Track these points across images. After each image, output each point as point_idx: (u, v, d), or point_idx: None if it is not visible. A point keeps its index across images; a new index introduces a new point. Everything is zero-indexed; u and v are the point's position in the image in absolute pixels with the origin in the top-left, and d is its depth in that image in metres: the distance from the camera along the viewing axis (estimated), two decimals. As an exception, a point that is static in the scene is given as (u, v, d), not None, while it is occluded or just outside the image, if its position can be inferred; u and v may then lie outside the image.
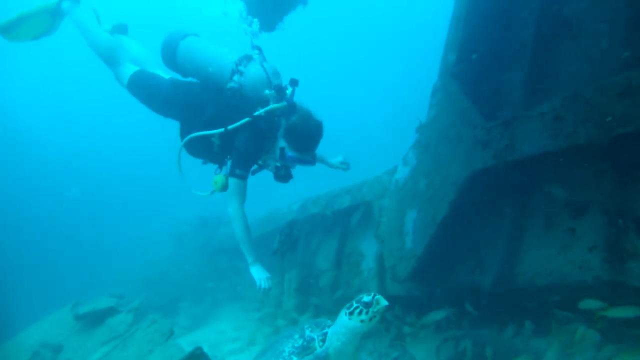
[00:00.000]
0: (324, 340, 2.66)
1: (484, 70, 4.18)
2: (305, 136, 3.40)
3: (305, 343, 2.73)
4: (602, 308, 3.14)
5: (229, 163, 3.64)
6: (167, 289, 8.10)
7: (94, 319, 4.22)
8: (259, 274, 3.55)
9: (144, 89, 3.77)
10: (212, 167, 3.87)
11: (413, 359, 3.87)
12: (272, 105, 3.36)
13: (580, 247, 3.36)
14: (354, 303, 2.46)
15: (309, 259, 6.50)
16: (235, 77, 3.46)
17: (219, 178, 3.62)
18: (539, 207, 3.66)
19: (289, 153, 3.45)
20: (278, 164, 3.56)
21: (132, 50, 4.01)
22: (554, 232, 3.54)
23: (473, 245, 3.99)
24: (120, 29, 4.18)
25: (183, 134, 3.71)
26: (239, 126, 3.43)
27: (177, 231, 9.95)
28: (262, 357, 3.03)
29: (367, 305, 2.40)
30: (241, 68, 3.47)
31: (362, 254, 5.65)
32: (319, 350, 2.64)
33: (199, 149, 3.72)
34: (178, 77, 3.85)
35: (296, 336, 2.84)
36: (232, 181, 3.50)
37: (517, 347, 3.85)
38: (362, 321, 2.41)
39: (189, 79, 3.80)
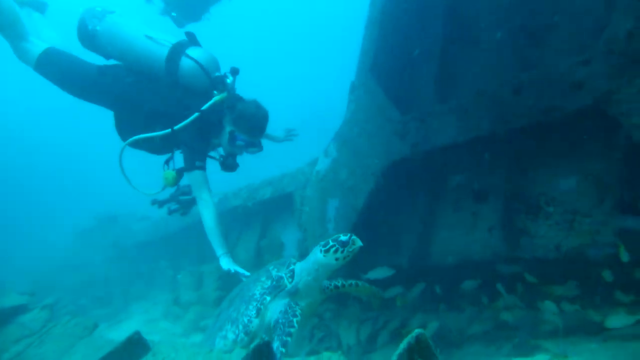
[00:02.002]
0: (292, 277, 2.70)
1: (399, 69, 4.53)
2: (255, 119, 3.44)
3: (274, 282, 2.73)
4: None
5: (179, 157, 3.54)
6: (78, 289, 7.54)
7: (2, 317, 3.82)
8: (230, 265, 3.47)
9: (62, 69, 3.42)
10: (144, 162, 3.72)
11: (338, 337, 4.09)
12: (216, 97, 3.33)
13: (482, 228, 3.81)
14: (330, 241, 2.50)
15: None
16: (174, 66, 3.35)
17: (169, 173, 3.52)
18: (448, 194, 4.08)
19: (240, 136, 3.45)
20: (223, 154, 3.55)
21: (42, 29, 3.65)
22: (460, 215, 3.96)
23: (391, 230, 4.31)
24: (37, 5, 3.74)
25: (121, 128, 3.51)
26: (186, 124, 3.35)
27: (81, 228, 9.24)
28: (230, 306, 2.97)
29: (344, 244, 2.46)
30: (176, 57, 3.36)
31: (283, 243, 5.79)
32: (289, 286, 2.67)
33: (140, 143, 3.54)
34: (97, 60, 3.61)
35: (263, 278, 2.84)
36: (195, 174, 3.41)
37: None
38: (336, 259, 2.48)
39: (112, 61, 3.58)
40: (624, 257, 2.78)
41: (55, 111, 21.57)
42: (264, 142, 4.13)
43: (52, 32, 3.72)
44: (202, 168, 3.45)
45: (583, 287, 3.25)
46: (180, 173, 3.56)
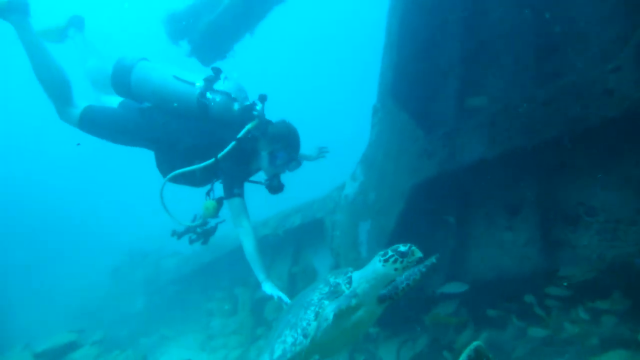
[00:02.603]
0: (349, 283, 2.67)
1: (419, 89, 4.56)
2: (290, 135, 3.53)
3: (332, 288, 2.72)
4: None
5: (218, 187, 3.62)
6: (116, 326, 7.65)
7: (55, 355, 3.91)
8: (273, 291, 3.49)
9: (102, 124, 3.66)
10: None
11: (380, 360, 4.02)
12: (249, 125, 3.43)
13: (517, 242, 3.74)
14: (389, 252, 2.47)
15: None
16: (205, 102, 3.48)
17: (210, 203, 3.59)
18: (479, 210, 4.02)
19: (279, 155, 3.53)
20: (267, 178, 3.63)
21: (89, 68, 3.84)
22: (494, 230, 3.90)
23: (425, 250, 4.26)
24: (76, 23, 3.98)
25: (161, 165, 3.64)
26: (227, 152, 3.44)
27: (115, 264, 9.42)
28: (288, 313, 2.98)
29: (403, 255, 2.43)
30: (208, 93, 3.50)
31: (316, 269, 5.77)
32: (346, 292, 2.64)
33: (180, 177, 3.66)
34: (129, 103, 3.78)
35: (321, 285, 2.83)
36: (233, 202, 3.48)
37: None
38: (395, 269, 2.44)
39: (145, 104, 3.73)
40: None
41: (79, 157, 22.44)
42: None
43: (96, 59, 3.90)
44: (241, 195, 3.51)
45: (629, 298, 3.13)
46: (220, 202, 3.63)
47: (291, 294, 5.77)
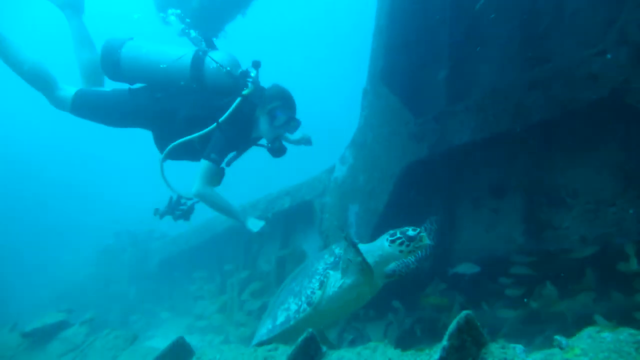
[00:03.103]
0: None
1: (408, 72, 4.60)
2: (285, 93, 3.61)
3: (337, 259, 2.75)
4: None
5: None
6: (105, 306, 7.67)
7: (44, 335, 3.93)
8: (255, 223, 3.66)
9: (95, 107, 3.64)
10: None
11: (369, 339, 4.11)
12: (246, 90, 3.43)
13: (503, 223, 3.83)
14: (398, 233, 2.49)
15: (250, 263, 6.55)
16: (197, 73, 3.47)
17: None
18: (466, 192, 4.11)
19: (277, 113, 3.53)
20: (269, 142, 3.63)
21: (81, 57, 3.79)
22: (481, 212, 3.99)
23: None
24: (75, 4, 3.82)
25: (159, 142, 3.64)
26: (227, 116, 3.43)
27: (102, 246, 9.36)
28: (293, 281, 3.03)
29: (410, 239, 2.45)
30: (199, 62, 3.48)
31: (305, 252, 5.83)
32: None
33: (180, 151, 3.65)
34: (119, 87, 3.75)
35: (326, 256, 2.87)
36: (205, 164, 3.44)
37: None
38: (400, 251, 2.48)
39: (136, 85, 3.71)
40: None
41: (69, 134, 22.08)
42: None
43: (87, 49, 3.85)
44: (215, 162, 3.46)
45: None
46: (221, 171, 3.64)
47: (280, 276, 5.89)
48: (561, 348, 1.46)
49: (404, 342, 4.06)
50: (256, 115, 3.61)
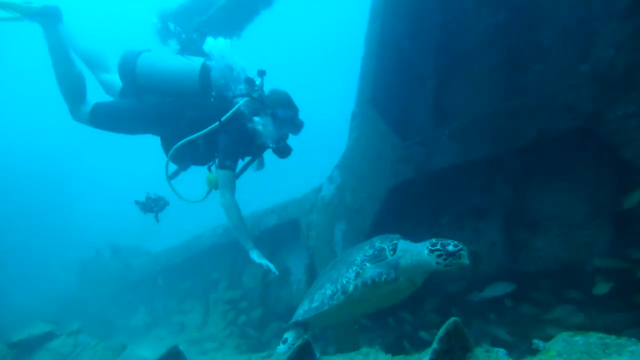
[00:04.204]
0: (394, 251, 2.71)
1: (396, 97, 4.82)
2: (286, 94, 3.83)
3: (376, 252, 2.78)
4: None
5: (217, 160, 3.76)
6: (93, 318, 7.54)
7: (30, 346, 3.87)
8: (261, 259, 3.89)
9: (110, 117, 3.88)
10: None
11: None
12: (251, 95, 3.59)
13: (484, 243, 4.02)
14: (439, 245, 2.47)
15: (235, 280, 6.57)
16: (206, 79, 3.65)
17: (212, 176, 3.75)
18: (449, 213, 4.30)
19: (279, 113, 3.68)
20: (273, 145, 3.77)
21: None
22: (463, 232, 4.18)
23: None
24: (51, 15, 3.92)
25: (166, 146, 3.77)
26: (231, 114, 3.61)
27: (84, 261, 9.21)
28: (332, 269, 3.09)
29: (449, 254, 2.43)
30: (207, 68, 3.66)
31: (289, 269, 5.90)
32: (389, 258, 2.70)
33: (185, 154, 3.82)
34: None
35: (366, 247, 2.90)
36: (222, 173, 3.64)
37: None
38: (437, 263, 2.46)
39: (149, 94, 3.90)
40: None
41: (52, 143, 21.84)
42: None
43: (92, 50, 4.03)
44: (230, 168, 3.68)
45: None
46: None
47: (264, 293, 5.93)
48: (539, 350, 1.61)
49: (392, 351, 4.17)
50: (259, 117, 3.77)
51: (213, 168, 4.03)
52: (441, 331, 1.71)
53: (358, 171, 4.73)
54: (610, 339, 1.45)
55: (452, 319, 1.73)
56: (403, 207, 4.38)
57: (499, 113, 3.44)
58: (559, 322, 3.34)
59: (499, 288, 3.58)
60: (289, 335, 3.15)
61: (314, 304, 2.97)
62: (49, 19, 3.76)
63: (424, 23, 4.72)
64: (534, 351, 1.67)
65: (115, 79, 3.97)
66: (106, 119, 3.86)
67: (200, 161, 3.98)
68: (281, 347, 3.07)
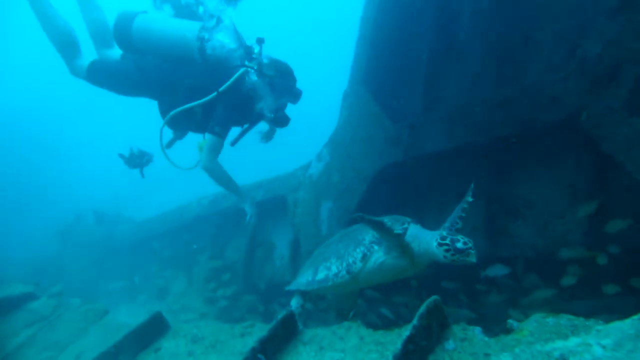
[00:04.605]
0: (403, 234, 2.68)
1: (389, 79, 4.85)
2: (283, 63, 3.81)
3: None
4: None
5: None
6: (74, 282, 7.54)
7: (9, 306, 3.87)
8: (251, 209, 4.00)
9: (108, 76, 3.87)
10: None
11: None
12: (249, 64, 3.59)
13: (465, 228, 4.13)
14: (448, 240, 2.53)
15: (218, 252, 6.64)
16: (204, 45, 3.62)
17: (204, 142, 3.75)
18: (434, 197, 4.40)
19: (277, 82, 3.73)
20: (271, 114, 3.81)
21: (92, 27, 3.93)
22: (445, 216, 4.28)
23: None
24: None
25: (163, 111, 3.75)
26: (229, 85, 3.60)
27: (63, 225, 9.13)
28: (340, 242, 3.10)
29: (457, 250, 2.46)
30: (206, 35, 3.63)
31: (274, 244, 5.99)
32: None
33: (181, 121, 3.83)
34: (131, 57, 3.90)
35: None
36: (210, 138, 3.65)
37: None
38: (444, 257, 2.50)
39: (146, 57, 3.85)
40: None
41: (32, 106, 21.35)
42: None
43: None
44: (219, 135, 3.70)
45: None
46: None
47: (249, 266, 6.01)
48: (513, 330, 1.72)
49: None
50: (258, 87, 3.77)
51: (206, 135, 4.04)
52: (421, 308, 1.80)
53: (347, 151, 4.79)
54: (579, 321, 1.56)
55: (433, 297, 1.82)
56: (390, 188, 4.46)
57: (487, 101, 3.50)
58: (529, 307, 3.50)
59: (498, 269, 3.74)
60: (293, 303, 3.21)
61: (318, 277, 2.99)
62: None
63: (418, 10, 4.72)
64: (508, 330, 1.77)
65: (114, 54, 3.93)
66: (102, 76, 3.87)
67: (197, 129, 3.99)
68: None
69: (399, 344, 1.72)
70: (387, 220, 2.88)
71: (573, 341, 1.32)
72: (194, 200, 7.00)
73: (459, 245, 2.48)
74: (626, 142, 2.70)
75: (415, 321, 1.80)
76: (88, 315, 3.55)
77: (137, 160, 4.32)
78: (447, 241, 2.52)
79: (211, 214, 6.61)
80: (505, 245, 3.89)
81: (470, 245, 2.49)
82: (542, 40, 3.84)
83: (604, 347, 1.24)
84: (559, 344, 1.34)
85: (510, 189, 3.86)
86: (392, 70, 4.85)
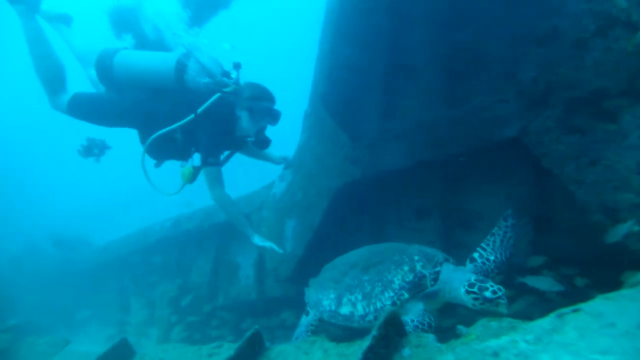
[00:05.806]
0: (435, 280, 2.67)
1: (347, 99, 5.04)
2: (261, 86, 3.89)
3: (416, 280, 2.69)
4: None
5: (195, 155, 3.78)
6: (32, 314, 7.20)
7: None
8: (264, 242, 4.00)
9: (88, 109, 3.89)
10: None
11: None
12: (227, 89, 3.68)
13: (423, 241, 4.33)
14: (476, 289, 2.49)
15: (183, 275, 6.57)
16: (181, 72, 3.69)
17: (187, 170, 3.79)
18: (393, 212, 4.58)
19: (256, 105, 3.79)
20: (252, 137, 3.87)
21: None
22: (405, 231, 4.47)
23: (343, 246, 4.72)
24: (64, 20, 4.14)
25: (143, 139, 3.76)
26: (207, 107, 3.66)
27: (15, 252, 8.75)
28: (363, 273, 2.98)
29: (485, 299, 2.44)
30: (183, 63, 3.70)
31: (239, 264, 6.00)
32: (429, 289, 2.67)
33: (162, 148, 3.85)
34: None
35: (406, 268, 2.79)
36: (208, 170, 3.68)
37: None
38: (473, 305, 2.50)
39: (128, 89, 3.91)
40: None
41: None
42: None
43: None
44: (215, 164, 3.74)
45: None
46: (197, 169, 3.84)
47: (214, 287, 5.98)
48: (462, 334, 1.87)
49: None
50: (237, 113, 3.86)
51: (188, 162, 4.08)
52: (380, 319, 1.93)
53: (308, 170, 4.92)
54: (517, 323, 1.74)
55: (390, 309, 1.95)
56: (350, 205, 4.61)
57: (441, 120, 3.73)
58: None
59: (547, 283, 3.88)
60: (304, 321, 3.31)
61: (342, 311, 2.92)
62: (27, 5, 3.74)
63: (374, 31, 4.96)
64: (458, 336, 1.92)
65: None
66: (83, 109, 3.88)
67: (178, 156, 4.02)
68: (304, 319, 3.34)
69: (359, 354, 1.84)
70: (418, 257, 2.87)
71: (504, 339, 1.49)
72: (156, 223, 6.93)
73: (488, 294, 2.43)
74: (561, 158, 2.96)
75: (374, 331, 1.92)
76: (47, 348, 3.45)
77: (93, 147, 4.38)
78: (475, 289, 2.49)
79: (173, 236, 6.56)
80: (462, 256, 4.09)
81: (499, 294, 2.42)
82: (488, 64, 4.13)
83: (527, 341, 1.44)
84: (492, 342, 1.52)
85: (462, 202, 4.09)
86: (351, 90, 5.04)
